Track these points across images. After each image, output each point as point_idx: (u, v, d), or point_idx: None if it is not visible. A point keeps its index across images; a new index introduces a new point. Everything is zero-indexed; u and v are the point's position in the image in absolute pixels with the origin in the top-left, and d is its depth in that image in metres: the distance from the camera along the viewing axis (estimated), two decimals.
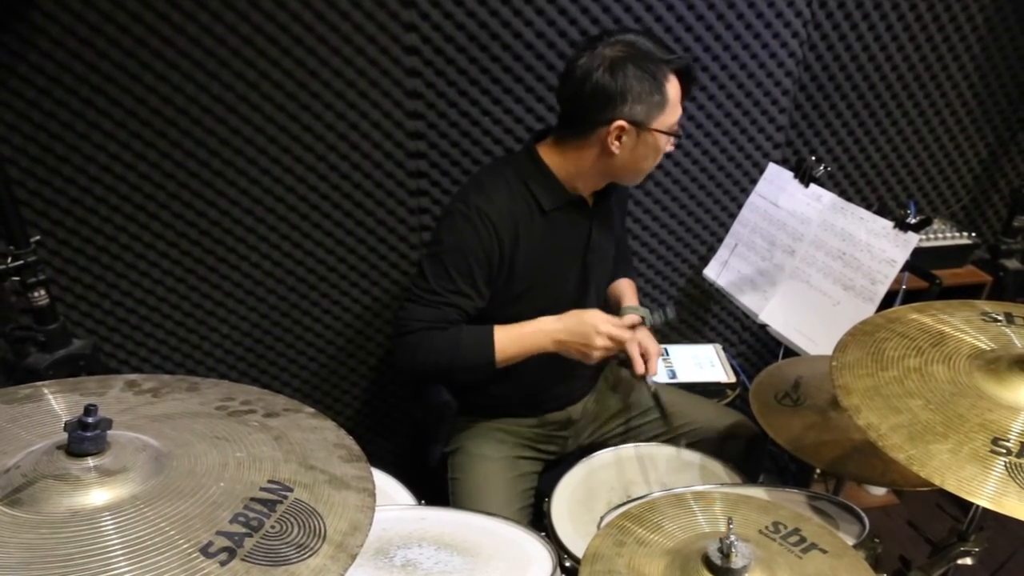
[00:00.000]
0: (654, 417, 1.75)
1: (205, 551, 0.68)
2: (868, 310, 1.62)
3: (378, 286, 2.06)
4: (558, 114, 1.51)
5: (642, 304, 1.76)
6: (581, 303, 1.61)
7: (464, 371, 1.51)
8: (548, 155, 1.50)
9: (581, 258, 1.59)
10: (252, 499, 0.76)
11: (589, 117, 1.41)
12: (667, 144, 1.46)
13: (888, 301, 1.61)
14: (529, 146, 1.53)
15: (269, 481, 0.80)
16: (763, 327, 1.88)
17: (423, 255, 1.60)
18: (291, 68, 1.73)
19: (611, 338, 1.46)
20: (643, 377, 1.62)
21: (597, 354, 1.47)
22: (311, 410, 0.98)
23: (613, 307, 1.80)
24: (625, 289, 1.82)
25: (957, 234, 2.29)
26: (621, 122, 1.38)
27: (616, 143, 1.41)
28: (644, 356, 1.64)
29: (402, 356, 1.50)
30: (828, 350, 1.16)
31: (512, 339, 1.49)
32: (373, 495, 0.83)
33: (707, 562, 0.91)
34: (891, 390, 1.03)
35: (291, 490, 0.79)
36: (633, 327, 1.54)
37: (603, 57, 1.37)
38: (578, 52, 1.41)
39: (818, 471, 2.05)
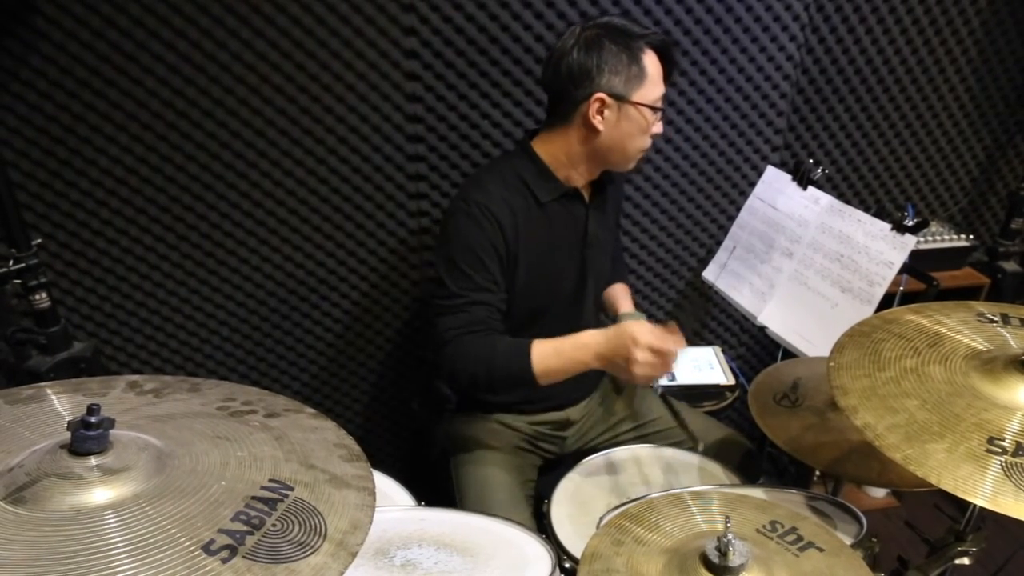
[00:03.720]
0: (657, 429, 1.74)
1: (207, 549, 0.69)
2: (866, 312, 1.62)
3: (377, 289, 2.06)
4: (546, 106, 1.53)
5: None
6: (579, 297, 1.61)
7: (505, 382, 1.44)
8: (541, 147, 1.52)
9: (579, 251, 1.60)
10: (253, 498, 0.77)
11: (570, 95, 1.42)
12: (654, 122, 1.46)
13: (886, 303, 1.62)
14: (523, 142, 1.54)
15: (270, 480, 0.80)
16: (762, 329, 1.88)
17: (435, 262, 1.57)
18: (291, 71, 1.74)
19: (653, 350, 1.28)
20: (650, 384, 1.62)
21: (640, 371, 1.29)
22: (311, 410, 0.99)
23: (608, 313, 1.80)
24: (620, 294, 1.82)
25: (955, 236, 2.30)
26: (600, 94, 1.40)
27: (599, 118, 1.42)
28: None
29: (446, 369, 1.46)
30: (826, 352, 1.16)
31: (551, 353, 1.40)
32: (373, 494, 0.83)
33: (705, 560, 0.92)
34: (888, 390, 1.04)
35: (292, 489, 0.80)
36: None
37: (578, 37, 1.41)
38: (557, 38, 1.45)
39: (817, 473, 2.06)
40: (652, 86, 1.43)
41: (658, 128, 1.49)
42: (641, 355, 1.28)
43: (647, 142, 1.49)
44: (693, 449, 1.60)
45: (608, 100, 1.40)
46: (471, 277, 1.45)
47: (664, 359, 1.30)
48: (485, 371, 1.41)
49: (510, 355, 1.41)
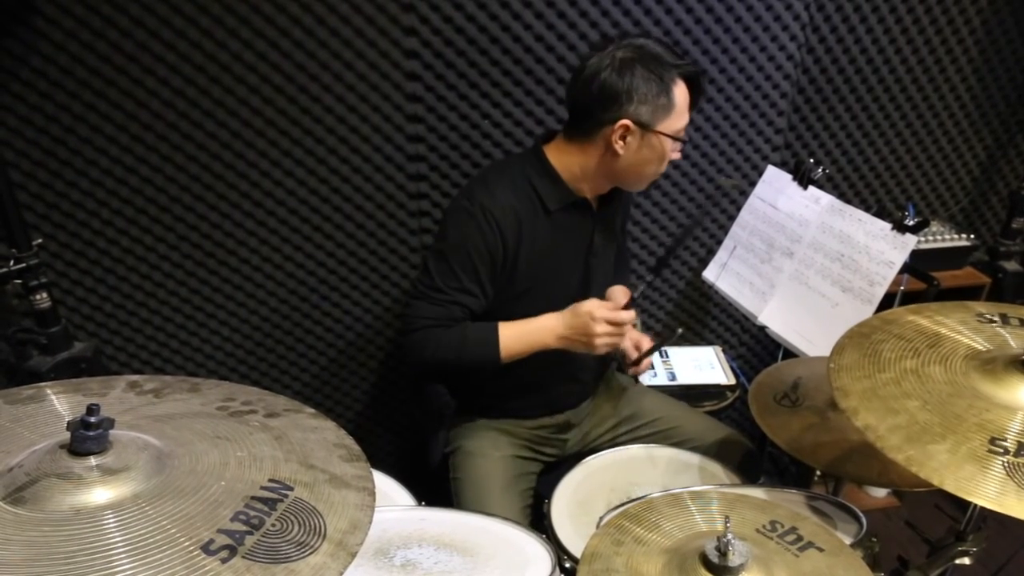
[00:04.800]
0: (658, 429, 1.74)
1: (206, 549, 0.69)
2: (866, 312, 1.62)
3: (378, 289, 2.06)
4: (567, 115, 1.52)
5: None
6: None
7: (470, 367, 1.52)
8: (554, 155, 1.51)
9: (583, 260, 1.60)
10: (253, 498, 0.77)
11: (595, 116, 1.42)
12: (673, 150, 1.46)
13: (886, 303, 1.62)
14: (536, 146, 1.54)
15: (270, 480, 0.80)
16: (762, 329, 1.88)
17: (428, 251, 1.61)
18: (291, 71, 1.74)
19: (610, 323, 1.44)
20: (638, 363, 1.62)
21: (600, 342, 1.44)
22: (311, 410, 0.99)
23: None
24: (617, 294, 1.81)
25: (956, 236, 2.30)
26: (626, 121, 1.39)
27: (620, 143, 1.42)
28: (637, 347, 1.64)
29: (409, 353, 1.51)
30: (827, 351, 1.16)
31: (516, 336, 1.49)
32: (373, 494, 0.83)
33: (704, 560, 0.92)
34: (888, 391, 1.03)
35: (291, 489, 0.80)
36: (628, 305, 1.51)
37: (612, 57, 1.39)
38: (590, 52, 1.43)
39: (818, 473, 2.05)
40: (678, 117, 1.43)
41: (676, 155, 1.49)
42: (600, 328, 1.43)
43: (663, 168, 1.50)
44: (674, 332, 1.66)
45: (633, 127, 1.40)
46: (458, 277, 1.46)
47: (620, 329, 1.46)
48: (454, 358, 1.49)
49: (479, 343, 1.49)
